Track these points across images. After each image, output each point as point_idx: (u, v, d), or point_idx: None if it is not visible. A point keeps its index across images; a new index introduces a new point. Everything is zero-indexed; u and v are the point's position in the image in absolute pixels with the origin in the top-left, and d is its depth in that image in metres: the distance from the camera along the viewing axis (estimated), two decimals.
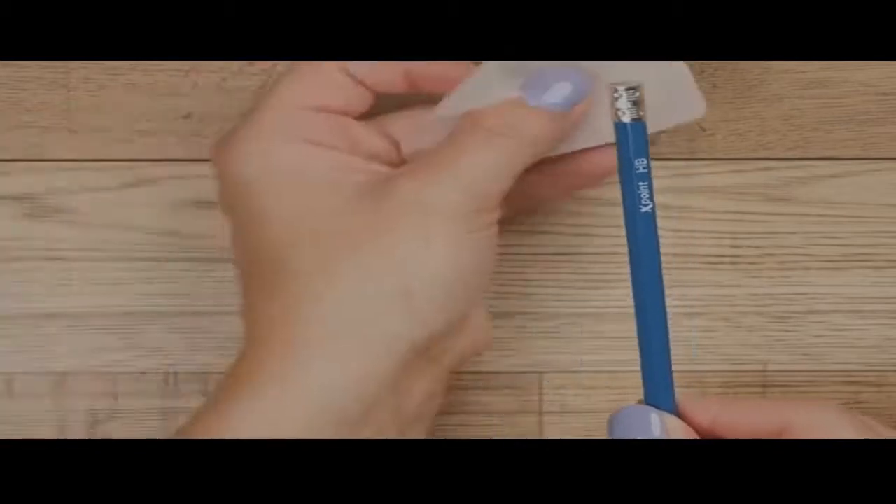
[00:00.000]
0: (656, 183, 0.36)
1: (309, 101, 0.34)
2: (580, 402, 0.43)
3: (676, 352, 0.40)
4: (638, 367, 0.40)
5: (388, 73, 0.35)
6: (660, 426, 0.34)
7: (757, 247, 0.43)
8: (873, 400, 0.43)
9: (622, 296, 0.42)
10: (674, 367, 0.39)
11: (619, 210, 0.35)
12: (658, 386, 0.35)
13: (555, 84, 0.34)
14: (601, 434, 0.35)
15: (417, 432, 0.34)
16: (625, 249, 0.37)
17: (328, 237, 0.32)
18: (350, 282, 0.32)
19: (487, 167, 0.33)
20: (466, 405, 0.43)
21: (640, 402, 0.35)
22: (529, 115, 0.34)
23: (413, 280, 0.32)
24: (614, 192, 0.41)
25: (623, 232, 0.36)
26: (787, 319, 0.43)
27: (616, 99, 0.34)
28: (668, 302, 0.40)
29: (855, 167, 0.42)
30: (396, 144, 0.36)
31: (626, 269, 0.39)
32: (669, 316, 0.37)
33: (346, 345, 0.31)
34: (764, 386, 0.43)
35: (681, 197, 0.43)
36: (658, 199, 0.38)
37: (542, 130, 0.34)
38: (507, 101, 0.34)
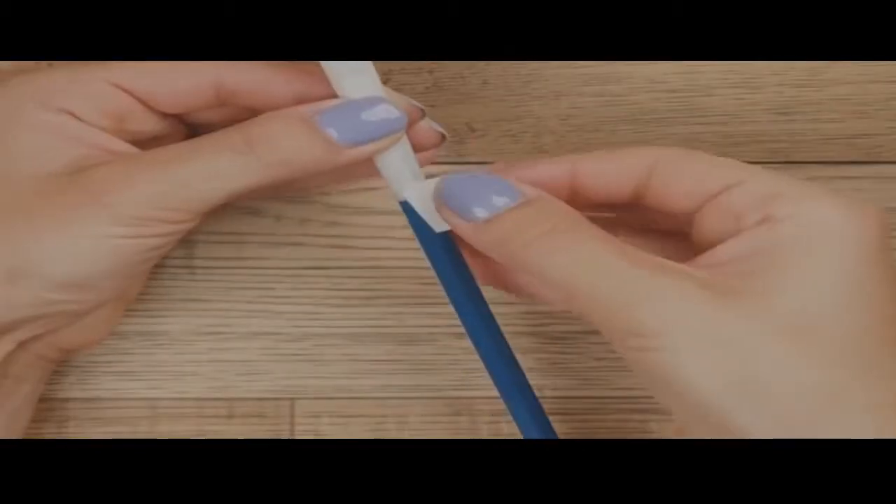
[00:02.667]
0: None
1: (56, 105, 0.31)
2: (336, 432, 0.39)
3: (447, 376, 0.39)
4: (397, 395, 0.39)
5: (184, 93, 0.31)
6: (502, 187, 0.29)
7: None
8: (662, 430, 0.39)
9: (380, 314, 0.39)
10: (443, 394, 0.39)
11: (379, 220, 0.33)
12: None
13: (364, 115, 0.30)
14: None
15: None
16: (384, 263, 0.36)
17: None
18: None
19: (207, 179, 0.29)
20: (208, 434, 0.39)
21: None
22: (304, 136, 0.29)
23: (26, 264, 0.29)
24: (374, 199, 0.37)
25: (382, 244, 0.35)
26: (565, 340, 0.39)
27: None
28: (437, 321, 0.39)
29: None
30: (173, 129, 0.33)
31: (385, 285, 0.38)
32: (437, 337, 0.37)
33: None
34: None
35: None
36: None
37: (308, 159, 0.30)
38: (293, 111, 0.30)
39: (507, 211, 0.29)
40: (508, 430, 0.39)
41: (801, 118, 0.38)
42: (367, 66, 0.30)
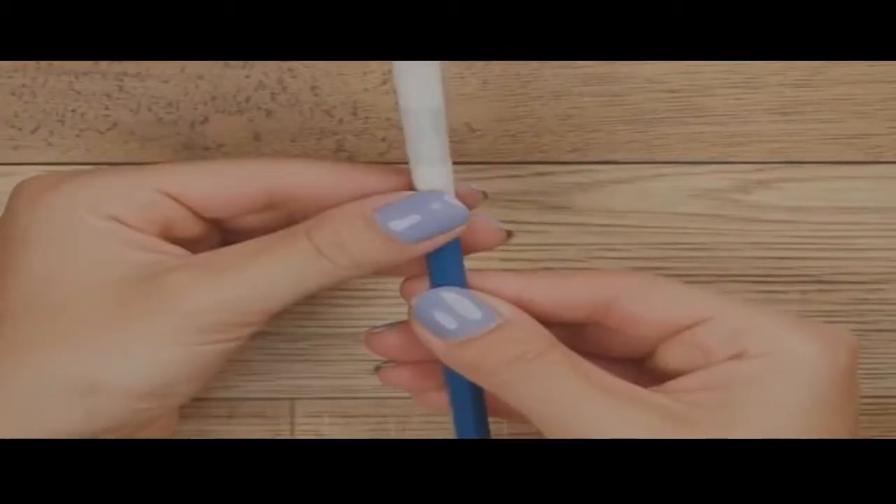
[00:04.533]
0: None
1: (105, 212, 0.30)
2: (336, 432, 0.39)
3: None
4: (397, 394, 0.39)
5: (236, 200, 0.31)
6: (479, 306, 0.29)
7: (531, 260, 0.39)
8: None
9: (383, 314, 0.39)
10: None
11: None
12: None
13: (425, 211, 0.29)
14: None
15: None
16: None
17: (56, 317, 0.29)
18: (36, 365, 0.29)
19: (283, 283, 0.29)
20: (208, 434, 0.39)
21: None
22: (370, 240, 0.29)
23: (108, 376, 0.29)
24: None
25: None
26: None
27: None
28: None
29: (640, 172, 0.39)
30: (221, 226, 0.33)
31: (388, 285, 0.38)
32: None
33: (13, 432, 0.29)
34: None
35: None
36: None
37: (377, 260, 0.29)
38: (356, 210, 0.29)
39: (478, 336, 0.29)
40: (508, 430, 0.39)
41: (801, 118, 0.38)
42: (444, 155, 0.29)
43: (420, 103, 0.28)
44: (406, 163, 0.29)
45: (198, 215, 0.31)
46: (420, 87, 0.27)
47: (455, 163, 0.37)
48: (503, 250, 0.39)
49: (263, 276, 0.29)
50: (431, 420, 0.39)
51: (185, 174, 0.31)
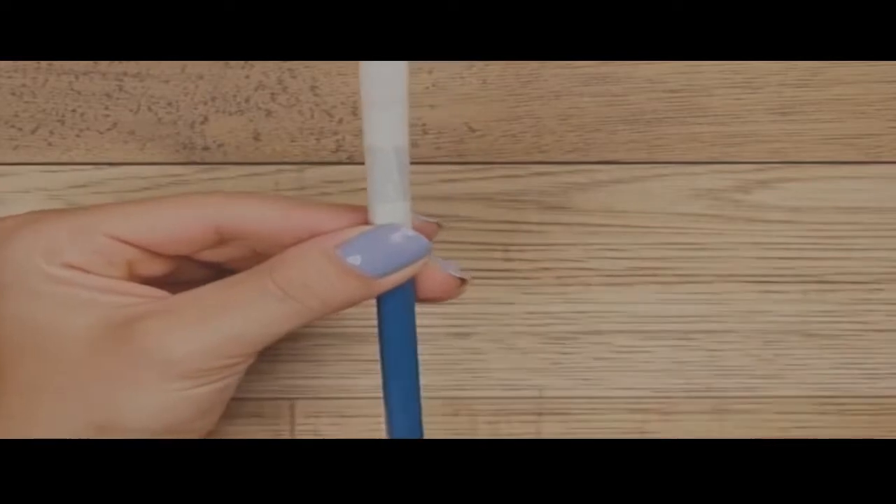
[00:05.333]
0: (421, 189, 0.34)
1: (60, 261, 0.30)
2: (336, 432, 0.39)
3: (444, 377, 0.38)
4: None
5: (185, 240, 0.31)
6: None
7: (532, 260, 0.39)
8: (661, 430, 0.39)
9: None
10: (441, 394, 0.38)
11: None
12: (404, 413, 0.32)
13: (385, 250, 0.29)
14: None
15: None
16: None
17: (49, 362, 0.29)
18: (48, 405, 0.29)
19: (256, 330, 0.29)
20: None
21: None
22: (336, 277, 0.29)
23: (117, 421, 0.29)
24: None
25: None
26: (566, 340, 0.39)
27: None
28: (433, 321, 0.38)
29: (640, 172, 0.39)
30: (184, 264, 0.32)
31: None
32: (436, 337, 0.36)
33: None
34: (539, 414, 0.38)
35: (448, 205, 0.38)
36: (423, 207, 0.37)
37: (345, 298, 0.29)
38: (317, 248, 0.29)
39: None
40: (507, 430, 0.39)
41: (801, 118, 0.38)
42: (406, 193, 0.29)
43: (388, 142, 0.28)
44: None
45: (155, 254, 0.31)
46: (389, 124, 0.28)
47: (455, 163, 0.37)
48: (503, 250, 0.39)
49: (235, 325, 0.29)
50: (431, 420, 0.39)
51: (130, 217, 0.30)
